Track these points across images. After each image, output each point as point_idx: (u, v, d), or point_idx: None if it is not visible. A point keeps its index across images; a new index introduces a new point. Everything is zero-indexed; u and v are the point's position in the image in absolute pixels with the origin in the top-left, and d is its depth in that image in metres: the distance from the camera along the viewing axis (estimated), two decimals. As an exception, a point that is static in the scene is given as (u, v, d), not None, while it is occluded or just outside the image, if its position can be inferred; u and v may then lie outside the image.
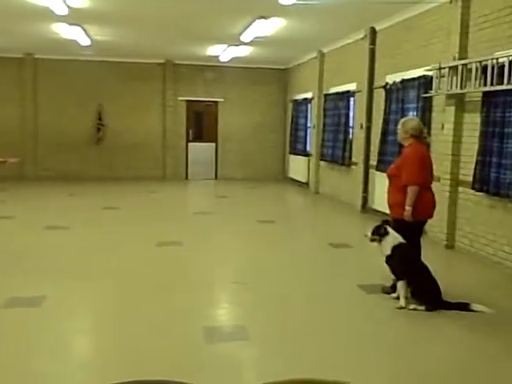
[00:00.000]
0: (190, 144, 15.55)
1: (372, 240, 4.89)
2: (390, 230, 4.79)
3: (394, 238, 4.75)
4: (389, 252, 4.74)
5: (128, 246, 7.09)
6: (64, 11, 8.57)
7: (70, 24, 9.84)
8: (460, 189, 7.01)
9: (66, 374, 3.47)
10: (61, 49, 13.11)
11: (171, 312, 4.62)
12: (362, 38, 10.06)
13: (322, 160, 12.50)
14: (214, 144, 15.70)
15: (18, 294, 4.93)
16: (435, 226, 7.23)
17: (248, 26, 9.70)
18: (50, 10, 8.52)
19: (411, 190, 4.81)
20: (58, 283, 5.33)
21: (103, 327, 4.37)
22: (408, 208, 4.80)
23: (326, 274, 5.98)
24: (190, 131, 15.56)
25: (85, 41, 11.47)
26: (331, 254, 6.89)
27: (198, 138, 15.68)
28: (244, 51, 12.63)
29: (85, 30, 10.54)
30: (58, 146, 14.55)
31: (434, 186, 5.21)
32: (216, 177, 15.70)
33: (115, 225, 8.57)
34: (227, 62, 14.31)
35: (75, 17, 9.22)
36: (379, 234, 4.82)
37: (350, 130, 10.97)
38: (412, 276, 4.67)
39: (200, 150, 15.58)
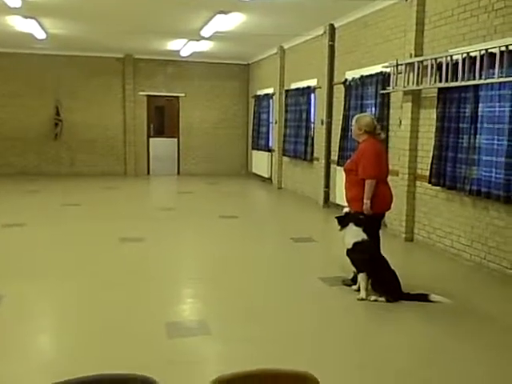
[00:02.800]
0: (151, 139, 15.39)
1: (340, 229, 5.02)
2: (351, 223, 4.91)
3: (356, 232, 4.86)
4: (350, 246, 4.87)
5: (89, 242, 6.99)
6: (17, 3, 8.34)
7: (25, 17, 9.59)
8: (418, 183, 7.19)
9: (24, 375, 3.40)
10: (16, 42, 12.76)
11: (133, 308, 4.59)
12: (322, 35, 10.16)
13: (284, 155, 12.59)
14: (175, 139, 15.60)
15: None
16: (395, 220, 7.42)
17: (208, 21, 9.66)
18: (4, 2, 8.28)
19: (368, 184, 4.91)
20: (14, 282, 5.21)
21: (63, 325, 4.30)
22: (366, 201, 4.91)
23: (287, 268, 6.04)
24: (151, 126, 15.41)
25: (40, 34, 11.19)
26: (293, 248, 6.97)
27: (160, 133, 15.54)
28: (205, 46, 12.58)
29: (40, 23, 10.28)
30: (14, 142, 14.18)
31: (393, 180, 5.34)
32: (178, 172, 15.61)
33: (75, 221, 8.43)
34: (188, 56, 14.23)
35: (30, 9, 8.98)
36: (341, 224, 5.00)
37: (312, 125, 11.08)
38: (372, 269, 4.79)
39: (162, 146, 15.45)
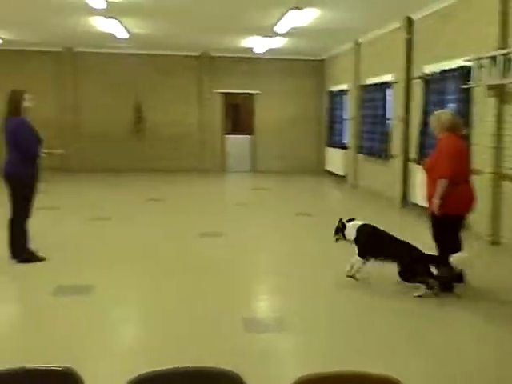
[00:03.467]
0: (226, 136, 15.64)
1: (337, 239, 5.27)
2: (345, 223, 5.19)
3: (353, 225, 5.14)
4: (354, 235, 5.07)
5: (171, 236, 7.27)
6: (101, 4, 8.70)
7: (107, 17, 9.99)
8: (504, 183, 6.85)
9: (110, 360, 3.58)
10: (99, 42, 13.35)
11: (212, 301, 4.72)
12: (399, 28, 9.91)
13: (359, 153, 12.40)
14: (250, 136, 15.76)
15: (66, 282, 5.11)
16: (478, 222, 7.05)
17: (282, 17, 9.69)
18: (88, 4, 8.67)
19: (440, 183, 4.75)
20: (104, 273, 5.52)
21: (147, 315, 4.50)
22: (435, 201, 4.75)
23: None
24: (227, 123, 15.64)
25: (122, 34, 11.64)
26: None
27: (235, 130, 15.75)
28: (279, 42, 12.61)
29: (121, 23, 10.69)
30: (99, 138, 14.86)
31: (476, 179, 5.12)
32: (253, 169, 15.77)
33: (158, 216, 8.79)
34: (263, 53, 14.31)
35: (112, 10, 9.34)
36: (339, 230, 5.21)
37: (388, 121, 10.84)
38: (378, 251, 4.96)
39: (236, 143, 15.66)
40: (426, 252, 4.83)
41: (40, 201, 5.94)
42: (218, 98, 15.34)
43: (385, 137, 10.85)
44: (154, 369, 1.79)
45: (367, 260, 5.08)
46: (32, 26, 11.44)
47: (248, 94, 15.52)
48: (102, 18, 10.02)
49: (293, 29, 10.65)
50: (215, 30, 11.59)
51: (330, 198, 12.41)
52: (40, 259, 5.76)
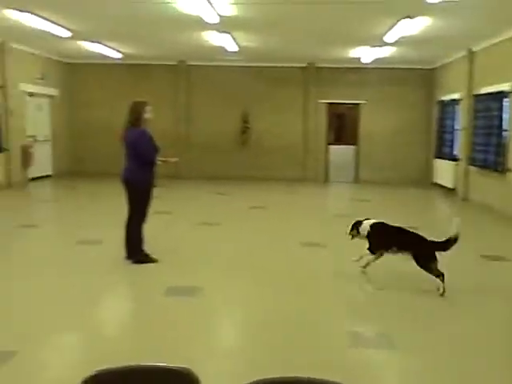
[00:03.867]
0: (330, 146, 15.58)
1: (352, 236, 5.81)
2: (363, 221, 5.70)
3: (367, 223, 5.66)
4: (368, 230, 5.57)
5: (274, 244, 7.37)
6: (215, 19, 9.07)
7: (220, 31, 10.39)
8: None
9: (213, 362, 3.69)
10: (210, 55, 13.89)
11: (315, 313, 4.71)
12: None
13: (471, 165, 11.81)
14: (354, 147, 15.58)
15: (176, 284, 5.35)
16: None
17: (392, 27, 9.51)
18: (202, 19, 9.06)
19: None
20: (211, 275, 5.72)
21: (252, 320, 4.58)
22: None
23: (474, 286, 5.66)
24: (331, 134, 15.59)
25: (232, 47, 12.03)
26: (482, 266, 6.51)
27: (339, 140, 15.69)
28: (387, 52, 12.39)
29: (233, 37, 11.06)
30: (207, 148, 15.48)
31: None
32: (356, 180, 15.56)
33: (262, 223, 8.97)
34: (369, 63, 14.12)
35: (225, 24, 9.71)
36: (355, 227, 5.75)
37: (505, 133, 10.23)
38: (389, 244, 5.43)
39: (340, 153, 15.58)
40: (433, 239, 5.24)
41: (154, 205, 6.28)
42: (323, 108, 15.35)
43: (500, 149, 10.25)
44: (264, 376, 1.79)
45: (380, 255, 5.57)
46: (150, 41, 12.19)
47: (353, 103, 15.37)
48: (214, 32, 10.42)
49: (402, 38, 10.42)
50: (323, 41, 11.65)
51: (439, 212, 11.92)
52: (153, 261, 6.07)
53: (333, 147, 15.63)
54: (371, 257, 5.64)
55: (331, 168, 15.62)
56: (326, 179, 15.56)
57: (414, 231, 5.48)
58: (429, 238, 5.29)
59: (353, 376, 3.45)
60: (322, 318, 4.58)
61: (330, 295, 5.21)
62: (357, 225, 5.77)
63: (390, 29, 9.74)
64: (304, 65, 15.08)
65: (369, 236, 5.60)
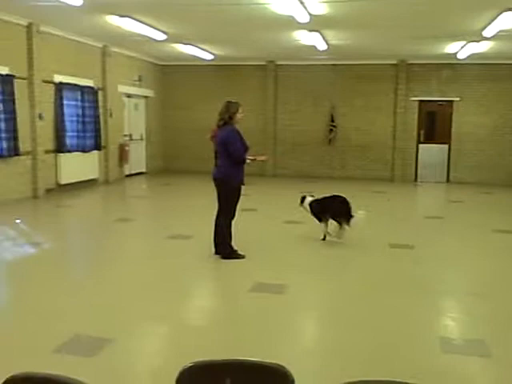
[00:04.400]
0: (420, 145, 15.10)
1: (301, 205, 7.42)
2: (306, 197, 7.40)
3: (307, 200, 7.32)
4: (308, 208, 7.27)
5: (360, 244, 7.27)
6: (306, 19, 9.07)
7: (310, 30, 10.38)
8: None
9: (293, 360, 3.69)
10: (298, 55, 13.91)
11: (404, 316, 4.61)
12: None
13: None
14: (446, 145, 14.98)
15: (262, 280, 5.43)
16: None
17: (492, 20, 9.05)
18: (294, 19, 9.10)
19: None
20: (296, 273, 5.76)
21: (337, 321, 4.54)
22: None
23: None
24: (422, 132, 15.10)
25: (322, 46, 11.97)
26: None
27: (430, 139, 15.12)
28: (483, 47, 11.80)
29: (322, 36, 11.01)
30: (293, 146, 15.56)
31: None
32: (448, 180, 14.97)
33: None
34: (464, 59, 13.51)
35: (315, 23, 9.69)
36: (302, 200, 7.41)
37: None
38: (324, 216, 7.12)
39: (431, 152, 15.01)
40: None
41: (241, 203, 6.41)
42: (415, 105, 14.90)
43: None
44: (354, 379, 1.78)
45: (326, 222, 7.13)
46: (242, 42, 12.42)
47: (446, 101, 14.78)
48: (304, 31, 10.43)
49: (502, 32, 9.89)
50: (416, 37, 11.29)
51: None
52: (241, 257, 6.20)
53: (423, 146, 15.10)
54: (323, 225, 7.17)
55: (421, 168, 15.12)
56: (416, 179, 15.09)
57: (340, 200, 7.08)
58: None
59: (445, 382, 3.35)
60: (411, 322, 4.46)
61: (417, 298, 5.06)
62: (304, 198, 7.41)
63: (489, 23, 9.28)
64: (395, 62, 14.70)
65: (312, 210, 7.23)
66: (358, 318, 4.55)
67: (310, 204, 7.28)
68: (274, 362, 1.76)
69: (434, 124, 15.21)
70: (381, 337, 4.13)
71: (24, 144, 10.27)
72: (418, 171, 15.15)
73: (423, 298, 5.10)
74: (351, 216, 6.97)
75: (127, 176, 14.39)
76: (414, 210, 11.12)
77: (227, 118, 6.02)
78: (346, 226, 7.01)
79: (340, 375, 1.79)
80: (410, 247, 7.07)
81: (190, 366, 1.75)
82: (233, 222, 6.25)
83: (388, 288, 5.38)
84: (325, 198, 7.34)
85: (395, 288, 5.38)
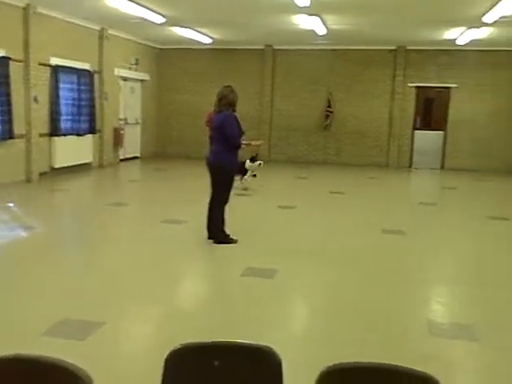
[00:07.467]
0: (416, 132, 15.07)
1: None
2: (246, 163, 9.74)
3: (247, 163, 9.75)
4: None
5: (352, 231, 7.28)
6: (306, 2, 8.95)
7: (310, 14, 10.25)
8: None
9: (286, 345, 3.72)
10: (298, 39, 13.79)
11: (393, 302, 4.63)
12: None
13: None
14: (442, 132, 14.96)
15: (254, 265, 5.44)
16: None
17: (493, 6, 8.98)
18: (293, 2, 8.98)
19: None
20: (287, 258, 5.77)
21: (328, 305, 4.56)
22: None
23: None
24: (418, 119, 15.06)
25: (321, 30, 11.86)
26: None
27: (426, 125, 15.09)
28: (483, 33, 11.72)
29: (322, 20, 10.89)
30: (288, 132, 15.51)
31: None
32: (442, 167, 14.97)
33: (340, 209, 8.88)
34: (462, 45, 13.42)
35: (315, 7, 9.55)
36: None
37: None
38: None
39: (426, 139, 15.00)
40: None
41: (234, 187, 6.40)
42: (412, 91, 14.84)
43: None
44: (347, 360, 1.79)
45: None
46: (241, 26, 12.29)
47: (444, 87, 14.72)
48: (304, 15, 10.32)
49: (503, 18, 9.81)
50: (416, 23, 11.19)
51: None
52: (233, 242, 6.21)
53: (419, 132, 15.08)
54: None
55: (416, 154, 15.11)
56: (411, 165, 15.09)
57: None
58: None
59: (435, 366, 3.37)
60: (401, 307, 4.50)
61: (409, 283, 5.09)
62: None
63: (490, 8, 9.21)
64: (393, 47, 14.61)
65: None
66: (349, 303, 4.58)
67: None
68: (265, 344, 1.76)
69: (431, 110, 15.17)
70: (369, 320, 4.16)
71: (18, 127, 10.21)
72: (413, 158, 15.14)
73: (412, 283, 5.13)
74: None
75: (121, 160, 14.34)
76: (408, 196, 11.14)
77: (225, 103, 5.95)
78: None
79: (329, 357, 1.79)
80: (401, 233, 7.09)
81: (179, 348, 1.76)
82: (226, 208, 6.24)
83: (379, 274, 5.39)
84: None
85: (386, 274, 5.40)
